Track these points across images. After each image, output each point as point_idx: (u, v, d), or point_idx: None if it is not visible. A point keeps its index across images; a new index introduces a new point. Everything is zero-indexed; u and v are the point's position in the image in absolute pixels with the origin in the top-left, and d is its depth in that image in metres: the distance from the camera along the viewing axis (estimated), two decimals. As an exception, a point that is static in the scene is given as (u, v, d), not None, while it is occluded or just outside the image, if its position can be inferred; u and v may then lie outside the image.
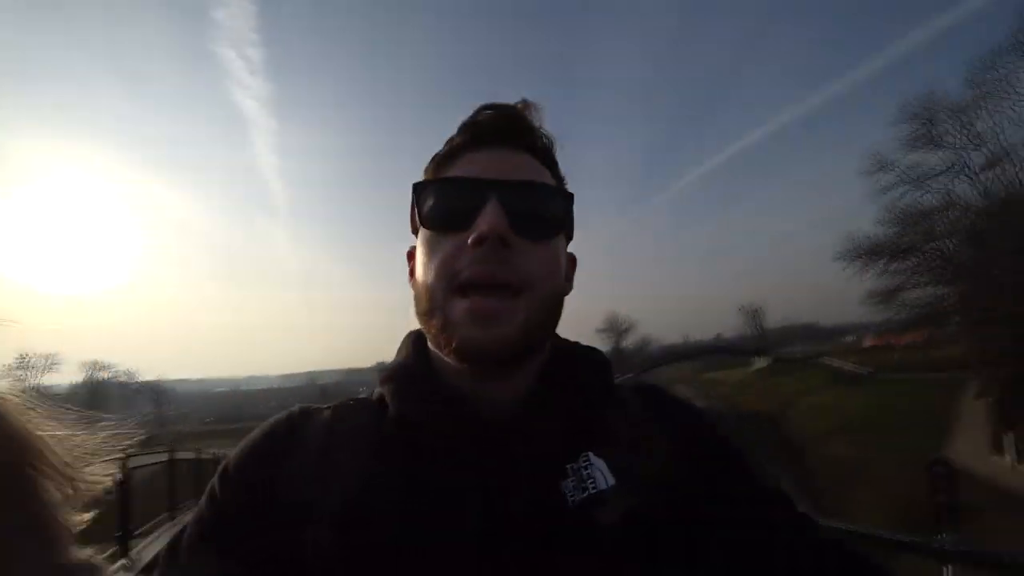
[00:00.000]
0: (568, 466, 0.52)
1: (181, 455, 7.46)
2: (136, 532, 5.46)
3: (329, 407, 0.60)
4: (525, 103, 0.60)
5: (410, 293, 0.61)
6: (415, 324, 0.62)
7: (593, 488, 0.50)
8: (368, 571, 0.48)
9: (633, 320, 77.47)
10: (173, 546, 0.55)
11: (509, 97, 0.62)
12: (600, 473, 0.51)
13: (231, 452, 0.59)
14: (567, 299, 0.62)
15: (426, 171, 0.62)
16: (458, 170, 0.57)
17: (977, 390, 24.43)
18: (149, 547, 5.35)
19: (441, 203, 0.55)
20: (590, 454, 0.52)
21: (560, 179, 0.63)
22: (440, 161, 0.60)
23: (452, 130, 0.63)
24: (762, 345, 73.92)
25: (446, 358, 0.54)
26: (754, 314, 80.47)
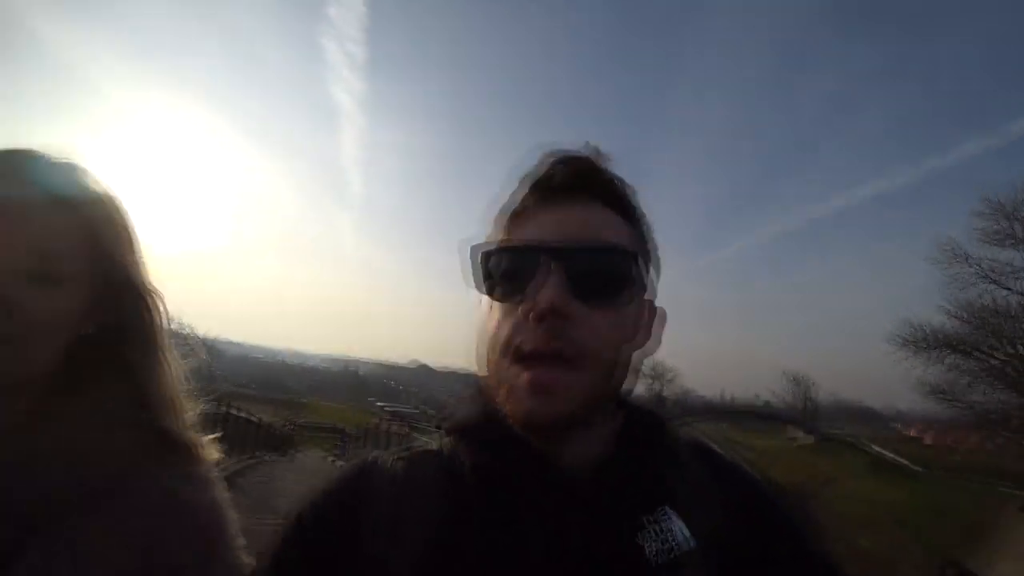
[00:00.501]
0: (644, 518, 0.53)
1: (234, 412, 8.12)
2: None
3: (400, 457, 0.61)
4: (596, 151, 0.58)
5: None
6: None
7: (675, 545, 0.51)
8: None
9: (678, 370, 75.61)
10: None
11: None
12: (679, 531, 0.52)
13: (303, 499, 0.60)
14: None
15: (495, 225, 0.60)
16: (525, 231, 0.56)
17: (1029, 508, 22.79)
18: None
19: (500, 272, 0.54)
20: (667, 508, 0.54)
21: (638, 225, 0.60)
22: (509, 219, 0.58)
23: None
24: (805, 417, 70.68)
25: (511, 417, 0.54)
26: (802, 384, 76.90)
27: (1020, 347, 21.37)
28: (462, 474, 0.56)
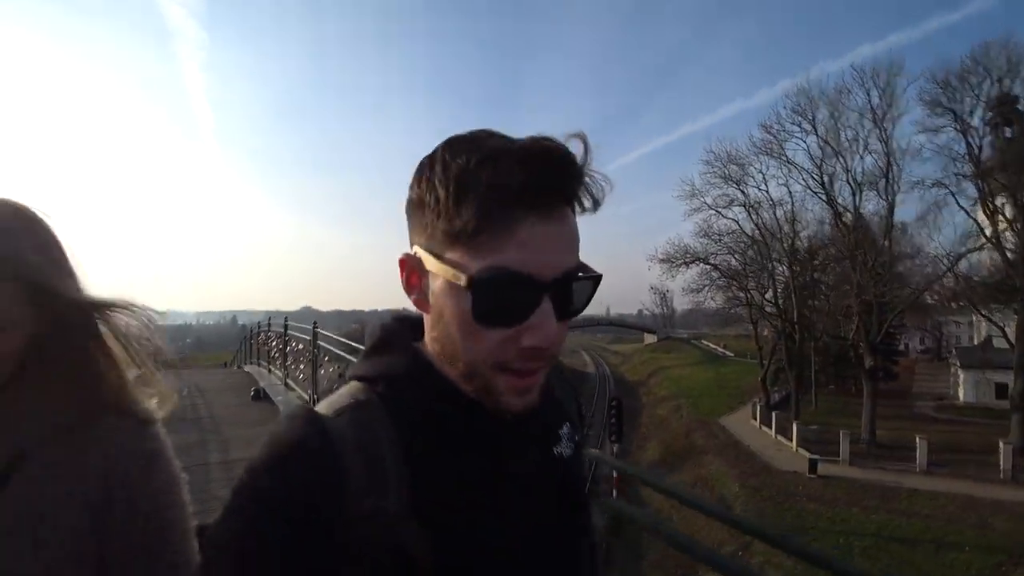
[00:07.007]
0: (559, 433, 0.69)
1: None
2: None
3: (341, 413, 0.56)
4: (584, 145, 0.51)
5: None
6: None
7: (569, 449, 0.69)
8: (474, 547, 0.54)
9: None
10: None
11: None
12: (565, 436, 0.70)
13: (259, 470, 0.51)
14: None
15: (449, 197, 0.49)
16: (514, 249, 0.48)
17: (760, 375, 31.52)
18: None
19: (495, 301, 0.50)
20: (566, 424, 0.71)
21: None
22: (485, 215, 0.48)
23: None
24: (663, 323, 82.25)
25: (483, 402, 0.56)
26: (663, 296, 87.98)
27: (735, 257, 30.06)
28: (415, 423, 0.56)
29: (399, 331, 0.63)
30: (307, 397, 6.39)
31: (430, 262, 0.52)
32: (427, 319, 0.57)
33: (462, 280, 0.49)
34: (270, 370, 9.16)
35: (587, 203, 0.53)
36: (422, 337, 0.60)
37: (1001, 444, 19.42)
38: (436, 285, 0.54)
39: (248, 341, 13.17)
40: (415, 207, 0.54)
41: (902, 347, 48.73)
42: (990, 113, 24.20)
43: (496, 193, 0.48)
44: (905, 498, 17.20)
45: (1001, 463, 18.99)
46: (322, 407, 0.58)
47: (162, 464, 0.72)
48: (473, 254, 0.49)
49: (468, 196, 0.48)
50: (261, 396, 7.83)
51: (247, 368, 11.49)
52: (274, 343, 9.21)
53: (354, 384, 0.61)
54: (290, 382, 7.50)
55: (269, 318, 9.10)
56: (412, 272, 0.56)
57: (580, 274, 0.53)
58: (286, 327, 7.77)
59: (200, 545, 0.53)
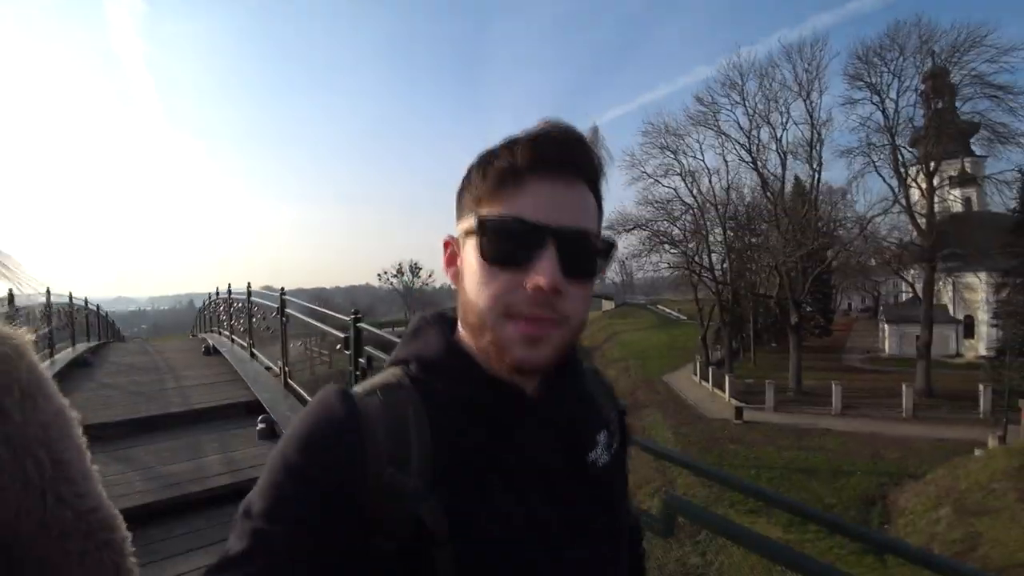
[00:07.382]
0: (595, 438, 0.69)
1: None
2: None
3: (372, 393, 0.61)
4: (593, 130, 0.61)
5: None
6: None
7: (606, 457, 0.69)
8: (496, 531, 0.56)
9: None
10: None
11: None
12: (602, 443, 0.70)
13: (292, 441, 0.55)
14: None
15: (478, 175, 0.60)
16: (523, 201, 0.57)
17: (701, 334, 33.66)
18: None
19: (502, 241, 0.57)
20: (603, 431, 0.71)
21: (600, 199, 0.64)
22: (501, 180, 0.58)
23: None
24: (621, 291, 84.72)
25: (495, 365, 0.60)
26: (621, 263, 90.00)
27: (675, 224, 31.91)
28: (442, 405, 0.60)
29: (434, 321, 0.69)
30: (276, 366, 6.30)
31: (460, 226, 0.62)
32: (459, 295, 0.64)
33: (474, 222, 0.58)
34: (232, 339, 9.17)
35: (590, 173, 0.61)
36: (455, 332, 0.66)
37: (904, 387, 21.73)
38: (464, 249, 0.62)
39: (203, 313, 13.59)
40: (458, 198, 0.63)
41: (845, 306, 52.04)
42: (923, 85, 25.62)
43: (512, 160, 0.58)
44: (817, 437, 19.36)
45: (904, 404, 21.33)
46: (357, 387, 0.63)
47: (46, 397, 0.62)
48: (491, 209, 0.58)
49: (492, 167, 0.59)
50: (211, 351, 9.22)
51: (202, 335, 12.17)
52: (226, 308, 9.63)
53: (391, 369, 0.66)
54: (256, 351, 7.39)
55: (229, 285, 9.60)
56: (451, 250, 0.65)
57: (592, 238, 0.60)
58: (249, 294, 7.71)
59: (239, 518, 0.53)
